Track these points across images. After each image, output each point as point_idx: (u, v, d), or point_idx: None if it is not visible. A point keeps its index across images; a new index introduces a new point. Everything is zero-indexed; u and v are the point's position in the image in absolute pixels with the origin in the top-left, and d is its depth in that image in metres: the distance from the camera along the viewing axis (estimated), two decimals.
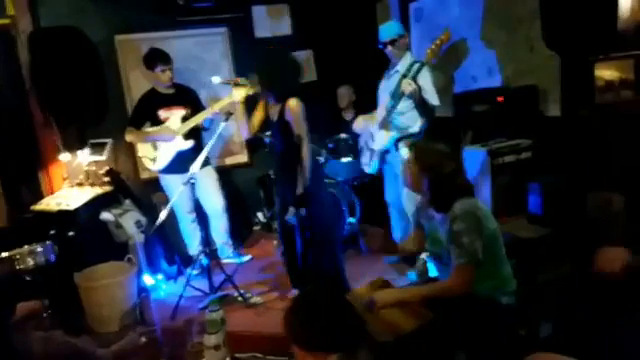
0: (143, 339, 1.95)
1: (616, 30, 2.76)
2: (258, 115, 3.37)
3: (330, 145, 4.29)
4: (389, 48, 3.59)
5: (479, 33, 3.94)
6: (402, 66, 3.55)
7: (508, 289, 2.31)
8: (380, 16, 5.15)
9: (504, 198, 3.09)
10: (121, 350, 2.08)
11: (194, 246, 4.20)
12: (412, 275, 3.64)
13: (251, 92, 3.36)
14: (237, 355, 2.11)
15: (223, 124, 3.49)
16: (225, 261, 4.34)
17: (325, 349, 1.50)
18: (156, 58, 3.95)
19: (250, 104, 3.45)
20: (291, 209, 3.10)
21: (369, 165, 3.83)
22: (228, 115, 3.52)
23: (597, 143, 2.70)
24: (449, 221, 2.21)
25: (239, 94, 3.38)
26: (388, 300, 2.25)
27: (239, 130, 3.63)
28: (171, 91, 4.08)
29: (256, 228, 5.13)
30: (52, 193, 4.14)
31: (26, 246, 3.48)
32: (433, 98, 3.48)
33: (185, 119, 3.99)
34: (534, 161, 3.17)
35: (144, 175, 4.63)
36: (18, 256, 3.43)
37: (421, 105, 3.50)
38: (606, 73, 2.80)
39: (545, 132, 3.25)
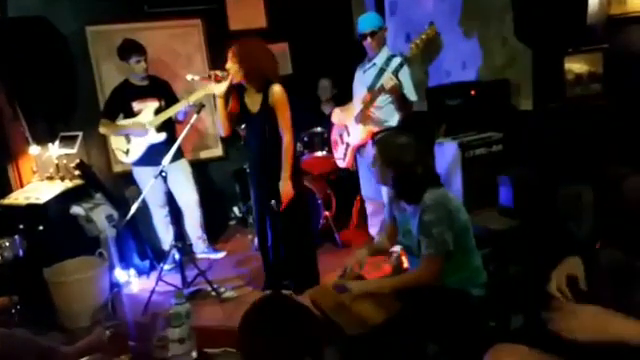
0: (108, 333, 1.92)
1: (586, 24, 2.79)
2: (233, 108, 3.33)
3: (305, 139, 4.28)
4: (368, 40, 3.55)
5: (453, 27, 3.95)
6: (380, 59, 3.54)
7: (478, 281, 2.33)
8: (355, 9, 5.14)
9: (475, 190, 3.11)
10: (86, 346, 2.04)
11: (167, 241, 4.14)
12: (387, 267, 3.65)
13: (234, 81, 3.24)
14: (208, 350, 2.08)
15: (195, 116, 3.45)
16: (199, 256, 4.32)
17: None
18: (130, 49, 3.89)
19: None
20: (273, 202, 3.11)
21: (343, 159, 3.82)
22: (200, 107, 3.48)
23: (567, 136, 2.73)
24: (420, 212, 2.22)
25: (219, 88, 3.24)
26: (359, 293, 2.26)
27: (217, 124, 3.52)
28: (145, 83, 4.03)
29: (232, 223, 5.09)
30: (21, 187, 4.05)
31: None
32: (411, 94, 3.48)
33: (159, 111, 3.94)
34: (505, 154, 3.19)
35: (117, 169, 4.57)
36: None
37: (399, 100, 3.50)
38: (576, 66, 2.83)
39: (517, 125, 3.28)
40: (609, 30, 2.77)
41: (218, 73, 3.23)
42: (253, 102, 3.21)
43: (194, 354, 1.88)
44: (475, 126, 3.41)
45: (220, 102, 3.28)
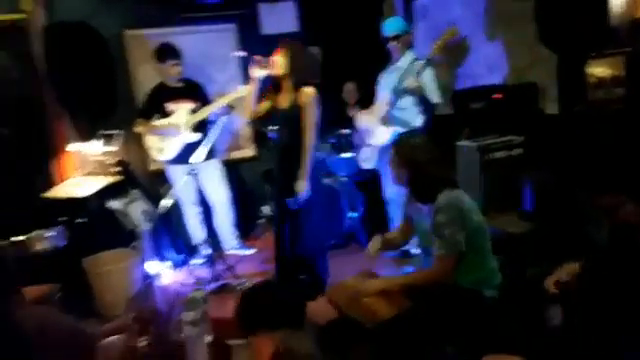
0: (131, 317, 2.06)
1: (608, 27, 2.78)
2: (266, 104, 3.42)
3: (332, 140, 4.37)
4: (393, 43, 3.64)
5: (480, 32, 3.97)
6: (404, 62, 3.61)
7: (493, 282, 2.35)
8: (386, 13, 5.19)
9: (495, 194, 3.13)
10: (112, 328, 2.19)
11: (199, 236, 4.31)
12: (409, 270, 3.69)
13: (273, 72, 3.31)
14: (229, 341, 2.18)
15: (224, 118, 3.59)
16: (229, 252, 4.46)
17: (267, 328, 1.65)
18: (167, 53, 4.08)
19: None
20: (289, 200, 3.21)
21: (367, 161, 3.89)
22: (230, 109, 3.62)
23: (587, 140, 2.73)
24: (433, 213, 2.27)
25: (258, 73, 3.31)
26: (372, 289, 2.33)
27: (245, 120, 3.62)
28: (179, 85, 4.20)
29: (261, 221, 5.21)
30: (63, 181, 4.29)
31: (38, 230, 3.65)
32: (434, 95, 3.53)
33: (192, 112, 4.10)
34: (526, 158, 3.20)
35: (154, 167, 4.72)
36: (31, 240, 3.61)
37: (422, 101, 3.55)
38: (598, 70, 2.82)
39: (540, 129, 3.28)
40: (633, 33, 2.75)
41: (262, 59, 3.30)
42: (285, 99, 3.32)
43: (208, 338, 1.99)
44: (500, 129, 3.43)
45: (253, 85, 3.36)
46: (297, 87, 3.24)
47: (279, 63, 3.24)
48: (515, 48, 3.69)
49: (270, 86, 3.40)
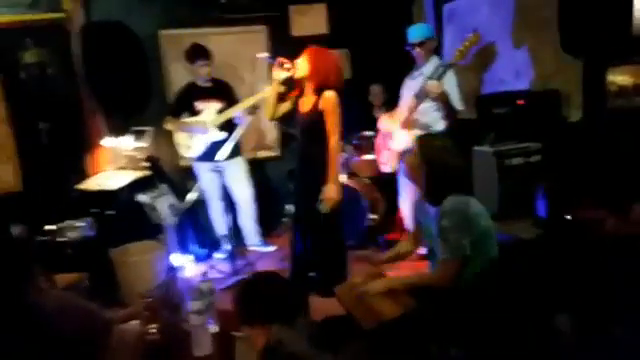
0: (144, 305, 2.17)
1: (631, 35, 2.74)
2: (286, 105, 3.47)
3: (354, 142, 4.41)
4: (417, 50, 3.66)
5: (507, 36, 3.94)
6: (427, 69, 3.62)
7: (499, 286, 2.34)
8: (416, 17, 5.20)
9: (511, 200, 3.11)
10: (127, 314, 2.32)
11: (222, 231, 4.42)
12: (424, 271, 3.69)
13: (295, 75, 3.34)
14: (236, 333, 2.26)
15: (249, 117, 3.69)
16: (251, 248, 4.57)
17: (261, 321, 1.69)
18: (197, 53, 4.20)
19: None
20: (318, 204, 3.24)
21: (387, 164, 3.92)
22: (254, 109, 3.72)
23: (602, 149, 2.70)
24: (439, 217, 2.30)
25: (280, 75, 3.35)
26: (378, 288, 2.38)
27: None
28: (209, 85, 4.31)
29: (284, 219, 5.30)
30: (96, 174, 4.48)
31: (69, 221, 3.85)
32: (457, 102, 3.52)
33: (220, 111, 4.22)
34: (544, 165, 3.17)
35: (183, 163, 4.81)
36: (61, 229, 3.81)
37: (444, 107, 3.55)
38: (620, 78, 2.78)
39: (559, 136, 3.24)
40: None
41: (285, 61, 3.34)
42: (306, 103, 3.35)
43: (215, 328, 2.08)
44: (522, 136, 3.40)
45: (274, 86, 3.40)
46: (318, 91, 3.27)
47: (301, 66, 3.29)
48: (541, 54, 3.65)
49: (296, 88, 3.47)
